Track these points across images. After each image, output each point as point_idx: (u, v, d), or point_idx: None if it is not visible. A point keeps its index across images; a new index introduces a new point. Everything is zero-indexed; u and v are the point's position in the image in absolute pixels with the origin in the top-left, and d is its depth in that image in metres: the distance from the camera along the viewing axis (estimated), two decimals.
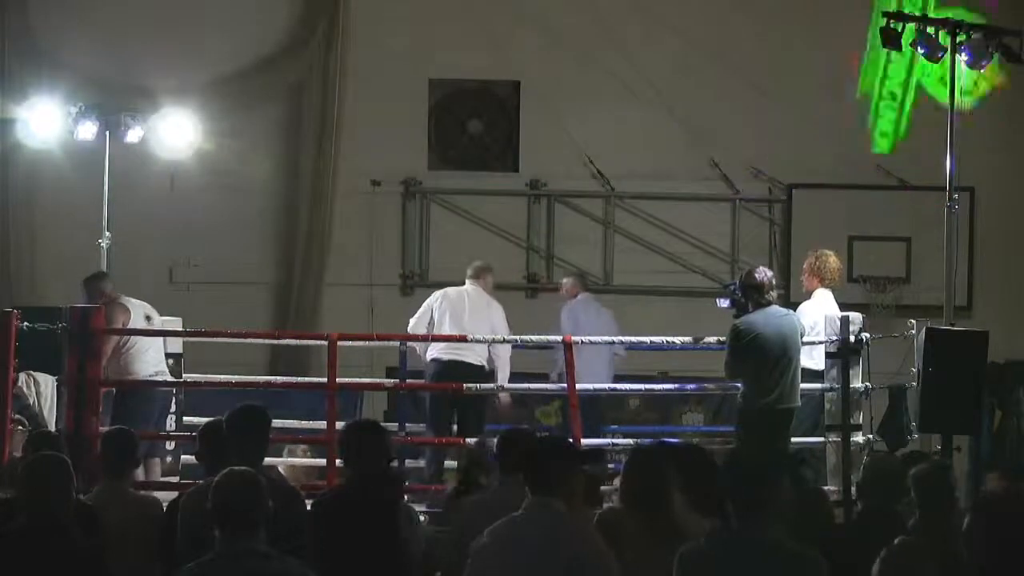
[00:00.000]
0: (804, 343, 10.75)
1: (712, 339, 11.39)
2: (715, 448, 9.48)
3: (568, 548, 5.76)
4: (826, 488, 11.06)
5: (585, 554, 5.77)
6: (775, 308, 10.60)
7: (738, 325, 10.50)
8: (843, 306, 11.65)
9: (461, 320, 11.80)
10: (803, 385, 10.72)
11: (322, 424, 11.30)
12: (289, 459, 11.78)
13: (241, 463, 5.97)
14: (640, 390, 12.62)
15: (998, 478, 9.68)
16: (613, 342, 12.51)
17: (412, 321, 11.92)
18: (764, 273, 10.69)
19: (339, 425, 9.83)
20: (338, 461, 10.08)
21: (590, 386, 11.95)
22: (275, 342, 14.70)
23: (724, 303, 10.94)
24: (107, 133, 13.35)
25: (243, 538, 5.25)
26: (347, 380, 11.88)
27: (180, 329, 12.14)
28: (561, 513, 5.86)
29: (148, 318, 11.55)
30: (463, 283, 12.09)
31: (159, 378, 11.48)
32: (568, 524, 5.87)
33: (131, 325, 11.37)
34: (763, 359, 10.39)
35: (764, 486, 5.63)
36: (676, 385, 12.77)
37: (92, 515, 7.04)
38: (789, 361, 10.48)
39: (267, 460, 7.89)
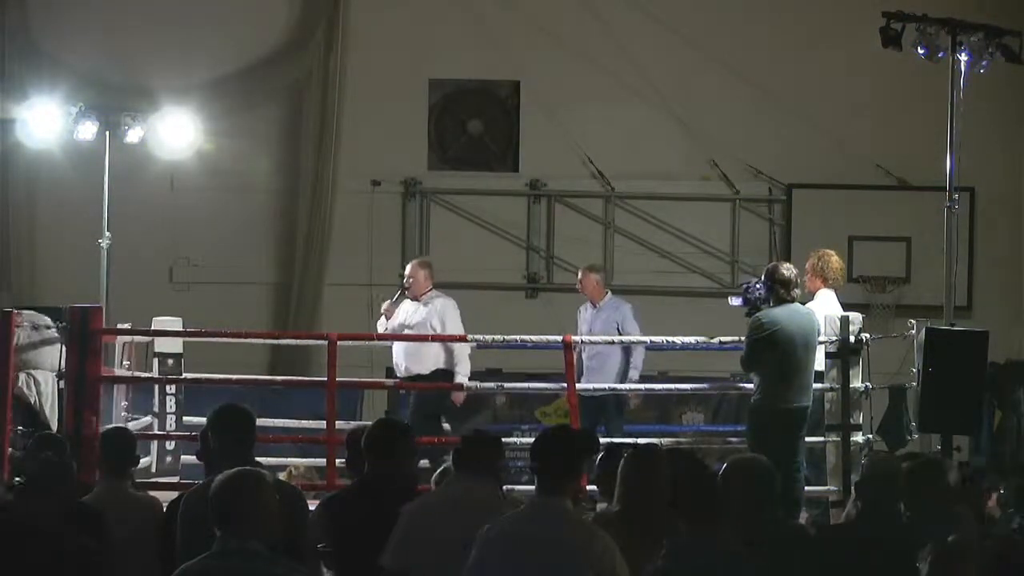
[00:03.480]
0: (819, 342, 10.76)
1: (714, 339, 11.41)
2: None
3: (581, 546, 5.72)
4: (826, 488, 11.11)
5: (601, 550, 5.73)
6: (797, 305, 10.59)
7: (760, 318, 10.46)
8: (843, 306, 11.65)
9: None
10: None
11: (322, 424, 11.30)
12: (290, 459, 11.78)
13: (229, 465, 5.94)
14: (640, 390, 12.60)
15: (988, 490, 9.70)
16: (620, 342, 12.46)
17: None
18: (790, 269, 10.69)
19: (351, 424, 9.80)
20: (338, 461, 10.18)
21: (590, 385, 11.95)
22: (275, 342, 14.70)
23: (736, 301, 10.92)
24: (107, 133, 13.33)
25: (239, 538, 5.22)
26: (347, 380, 11.88)
27: (180, 329, 12.15)
28: (569, 510, 5.85)
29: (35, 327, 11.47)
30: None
31: None
32: (577, 520, 5.85)
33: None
34: (783, 355, 10.36)
35: (713, 496, 5.51)
36: (676, 385, 12.77)
37: (97, 517, 7.03)
38: (807, 359, 10.48)
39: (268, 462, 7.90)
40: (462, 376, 11.98)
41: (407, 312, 12.26)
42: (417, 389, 12.11)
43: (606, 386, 12.18)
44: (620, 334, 12.44)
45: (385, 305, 12.34)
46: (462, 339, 11.78)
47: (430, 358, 12.06)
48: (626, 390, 12.34)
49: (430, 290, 12.34)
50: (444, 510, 6.28)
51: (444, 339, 11.94)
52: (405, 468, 7.05)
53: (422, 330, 12.05)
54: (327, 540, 6.87)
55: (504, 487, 6.71)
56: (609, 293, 12.85)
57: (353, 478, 7.62)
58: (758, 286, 10.74)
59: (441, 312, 12.16)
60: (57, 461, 6.60)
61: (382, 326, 12.29)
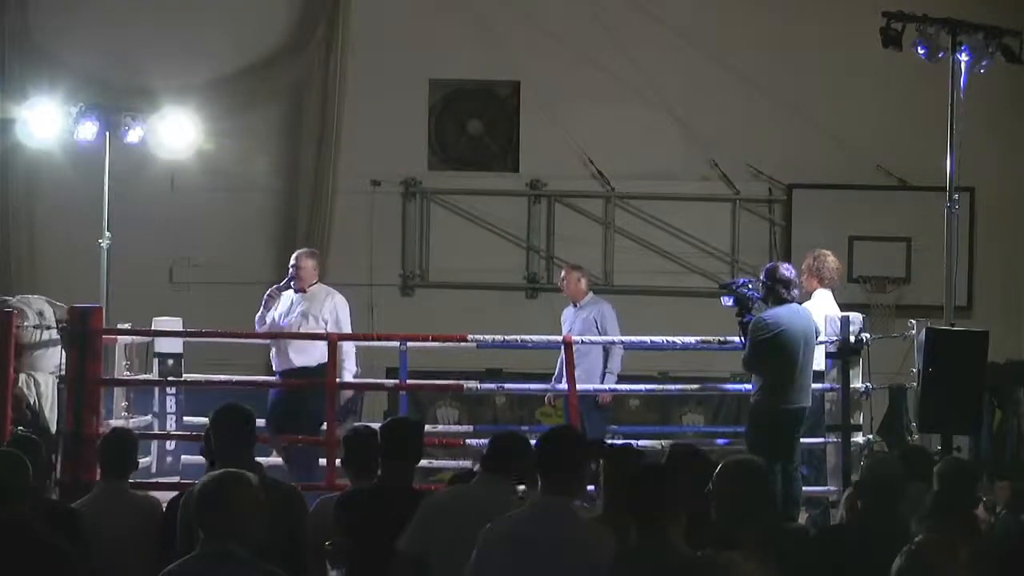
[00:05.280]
0: (818, 343, 10.76)
1: (713, 339, 11.41)
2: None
3: (584, 546, 5.71)
4: (826, 488, 11.11)
5: (605, 551, 5.71)
6: (796, 305, 10.59)
7: (765, 319, 10.44)
8: (843, 306, 11.65)
9: None
10: None
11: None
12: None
13: (225, 465, 5.93)
14: (640, 390, 12.60)
15: (1007, 486, 9.66)
16: (614, 343, 12.45)
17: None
18: (790, 269, 10.70)
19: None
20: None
21: (590, 386, 11.95)
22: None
23: (728, 301, 10.92)
24: (107, 133, 13.32)
25: (219, 541, 5.18)
26: (347, 380, 11.88)
27: (180, 329, 12.16)
28: (572, 510, 5.84)
29: (41, 313, 11.45)
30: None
31: None
32: (580, 521, 5.84)
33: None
34: (786, 356, 10.35)
35: (661, 494, 5.49)
36: (676, 385, 12.76)
37: (72, 517, 7.01)
38: (808, 360, 10.49)
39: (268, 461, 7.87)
40: (349, 373, 11.85)
41: (293, 302, 12.02)
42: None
43: (607, 387, 12.17)
44: (599, 333, 12.41)
45: (271, 290, 12.18)
46: (456, 338, 11.75)
47: (316, 352, 11.76)
48: (626, 390, 12.33)
49: (316, 282, 12.17)
50: (463, 506, 6.26)
51: (445, 338, 11.93)
52: (414, 467, 7.09)
53: (314, 321, 11.92)
54: (341, 538, 6.87)
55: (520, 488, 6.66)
56: (590, 293, 12.85)
57: (350, 477, 7.61)
58: (749, 284, 10.73)
59: (335, 308, 11.98)
60: (9, 455, 6.55)
61: (259, 316, 12.10)
